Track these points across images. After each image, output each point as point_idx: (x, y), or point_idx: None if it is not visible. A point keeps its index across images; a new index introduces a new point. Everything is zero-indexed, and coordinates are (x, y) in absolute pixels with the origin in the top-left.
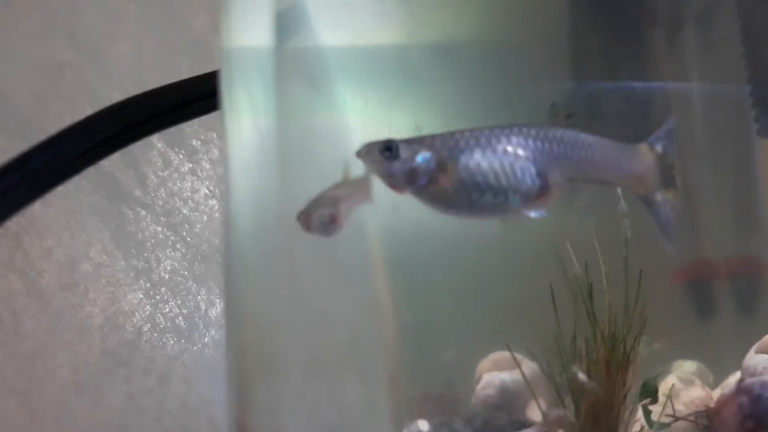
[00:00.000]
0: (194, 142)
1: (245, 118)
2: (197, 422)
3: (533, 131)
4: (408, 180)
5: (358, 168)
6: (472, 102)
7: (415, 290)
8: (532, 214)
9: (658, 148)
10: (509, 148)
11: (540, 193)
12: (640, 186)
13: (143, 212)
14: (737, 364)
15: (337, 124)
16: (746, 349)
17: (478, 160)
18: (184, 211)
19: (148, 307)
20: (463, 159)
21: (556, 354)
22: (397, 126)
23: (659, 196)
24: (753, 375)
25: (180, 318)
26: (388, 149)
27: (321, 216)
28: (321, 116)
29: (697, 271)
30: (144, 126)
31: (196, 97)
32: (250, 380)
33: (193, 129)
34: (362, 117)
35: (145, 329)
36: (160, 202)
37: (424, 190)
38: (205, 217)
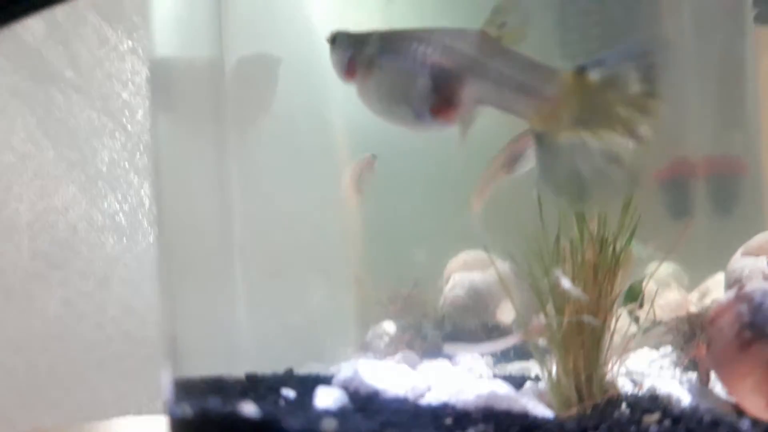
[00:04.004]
0: (135, 18)
1: None
2: (142, 328)
3: (447, 38)
4: (347, 71)
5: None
6: None
7: (382, 186)
8: (431, 129)
9: (594, 73)
10: (417, 56)
11: (440, 108)
12: (542, 118)
13: (75, 96)
14: (713, 267)
15: None
16: (722, 251)
17: (394, 63)
18: (124, 96)
19: (83, 203)
20: (384, 60)
21: (537, 256)
22: None
23: (566, 139)
24: (739, 278)
25: (120, 215)
26: (333, 39)
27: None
28: None
29: (677, 170)
30: None
31: None
32: (181, 286)
33: (133, 2)
34: None
35: (81, 227)
36: (96, 85)
37: (358, 85)
38: (148, 102)
